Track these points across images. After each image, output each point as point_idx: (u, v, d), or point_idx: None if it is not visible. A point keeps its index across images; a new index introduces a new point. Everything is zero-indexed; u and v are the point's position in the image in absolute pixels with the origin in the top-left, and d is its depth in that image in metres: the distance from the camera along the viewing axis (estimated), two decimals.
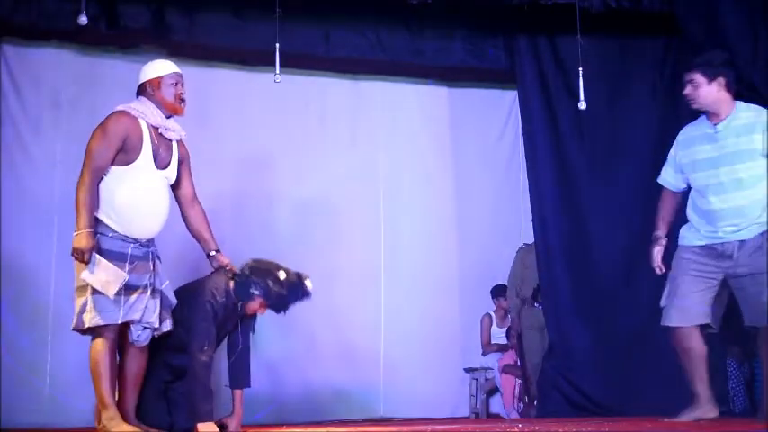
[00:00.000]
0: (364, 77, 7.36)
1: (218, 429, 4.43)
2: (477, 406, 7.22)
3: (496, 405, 7.37)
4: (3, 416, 5.70)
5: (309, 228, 6.96)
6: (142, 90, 4.35)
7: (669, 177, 4.62)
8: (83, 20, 5.38)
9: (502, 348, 7.35)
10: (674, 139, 6.24)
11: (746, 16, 5.68)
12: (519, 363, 7.12)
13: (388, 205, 7.33)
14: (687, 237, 4.45)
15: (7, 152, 6.31)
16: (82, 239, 4.01)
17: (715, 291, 4.37)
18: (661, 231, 4.58)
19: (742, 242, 4.27)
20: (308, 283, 4.63)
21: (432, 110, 7.58)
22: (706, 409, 4.34)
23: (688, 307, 4.38)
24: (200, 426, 4.35)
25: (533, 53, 6.79)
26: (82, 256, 4.01)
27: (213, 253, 4.63)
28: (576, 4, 6.04)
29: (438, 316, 7.29)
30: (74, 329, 4.18)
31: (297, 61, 6.57)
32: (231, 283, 4.57)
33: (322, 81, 7.26)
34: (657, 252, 4.56)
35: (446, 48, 6.88)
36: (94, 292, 4.04)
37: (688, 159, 4.48)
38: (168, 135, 4.33)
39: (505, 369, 7.17)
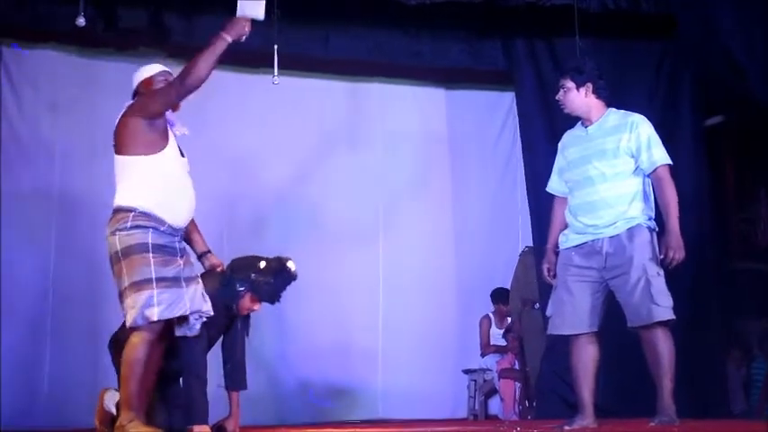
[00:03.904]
0: (362, 79, 7.38)
1: None
2: (476, 407, 7.22)
3: (495, 407, 7.36)
4: (3, 416, 5.70)
5: (308, 229, 6.96)
6: (138, 93, 4.37)
7: (554, 184, 4.67)
8: (81, 21, 5.39)
9: (501, 350, 7.35)
10: (673, 140, 6.28)
11: (743, 18, 5.68)
12: (518, 366, 7.12)
13: (386, 206, 7.34)
14: (562, 240, 4.49)
15: (5, 153, 6.32)
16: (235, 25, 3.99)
17: (597, 295, 4.37)
18: (550, 245, 4.60)
19: (611, 238, 4.30)
20: (290, 264, 4.61)
21: (429, 111, 7.60)
22: (590, 419, 4.34)
23: (568, 314, 4.39)
24: (195, 428, 4.35)
25: (531, 55, 6.78)
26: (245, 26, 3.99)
27: (204, 254, 4.63)
28: (573, 6, 6.04)
29: (436, 317, 7.29)
30: (131, 326, 3.97)
31: (295, 63, 6.57)
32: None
33: (320, 83, 7.27)
34: (546, 268, 4.57)
35: (444, 49, 6.88)
36: (159, 286, 3.94)
37: (565, 162, 4.58)
38: (174, 131, 4.36)
39: (503, 374, 7.15)
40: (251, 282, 4.52)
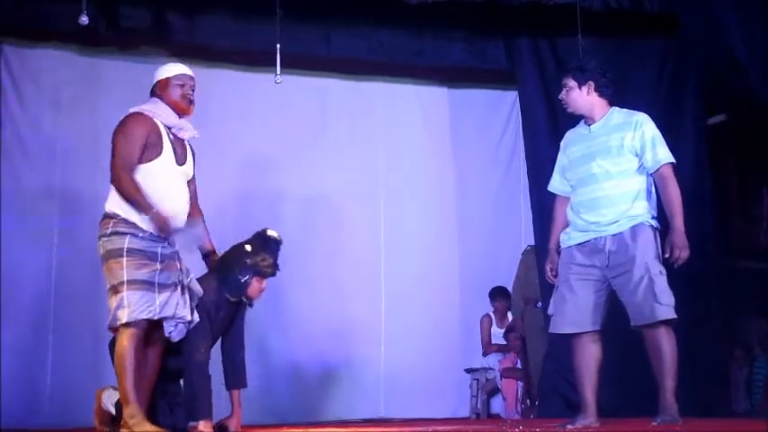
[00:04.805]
0: (365, 78, 7.36)
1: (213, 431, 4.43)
2: (478, 407, 7.21)
3: (497, 406, 7.35)
4: (3, 416, 5.71)
5: (310, 228, 6.96)
6: (153, 92, 4.40)
7: (556, 183, 4.67)
8: (83, 20, 5.40)
9: (503, 349, 7.34)
10: (675, 139, 6.28)
11: (746, 17, 5.69)
12: (520, 365, 7.12)
13: (389, 206, 7.34)
14: (564, 239, 4.49)
15: (7, 152, 6.32)
16: (159, 217, 4.13)
17: (600, 294, 4.36)
18: (552, 244, 4.60)
19: (614, 236, 4.30)
20: (270, 233, 4.71)
21: (432, 110, 7.58)
22: (592, 419, 4.33)
23: (571, 313, 4.38)
24: (200, 425, 4.36)
25: (534, 53, 6.78)
26: (168, 228, 4.15)
27: (209, 254, 4.65)
28: (576, 5, 6.04)
29: (438, 316, 7.28)
30: (109, 327, 4.19)
31: (298, 62, 6.58)
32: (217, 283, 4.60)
33: (322, 82, 7.26)
34: (548, 267, 4.56)
35: (446, 48, 6.89)
36: (129, 288, 4.08)
37: (567, 160, 4.59)
38: (181, 135, 4.38)
39: (505, 373, 7.14)
40: (251, 268, 4.57)
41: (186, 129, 4.41)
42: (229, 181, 6.79)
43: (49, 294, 6.32)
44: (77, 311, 6.29)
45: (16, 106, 6.45)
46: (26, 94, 6.49)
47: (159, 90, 4.37)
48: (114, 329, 4.17)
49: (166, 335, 4.27)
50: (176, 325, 4.28)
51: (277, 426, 5.88)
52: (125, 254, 4.11)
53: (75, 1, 5.51)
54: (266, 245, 4.67)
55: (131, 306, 4.07)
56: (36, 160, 6.47)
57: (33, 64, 6.52)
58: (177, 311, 4.24)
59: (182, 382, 4.61)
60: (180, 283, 4.29)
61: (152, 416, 4.34)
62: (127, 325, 4.08)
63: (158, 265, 4.18)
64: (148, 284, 4.13)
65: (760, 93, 5.66)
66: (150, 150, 4.23)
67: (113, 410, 4.50)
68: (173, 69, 4.43)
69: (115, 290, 4.12)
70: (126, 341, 4.09)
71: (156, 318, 4.15)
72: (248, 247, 4.63)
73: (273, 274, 4.69)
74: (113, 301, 4.11)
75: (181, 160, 4.36)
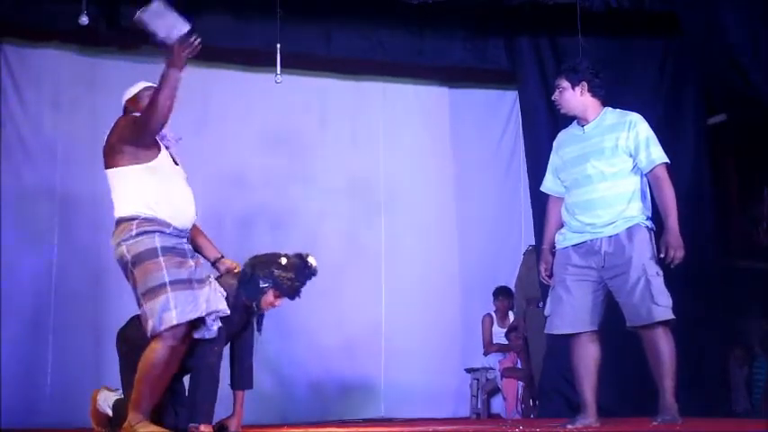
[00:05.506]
0: (365, 78, 7.37)
1: None
2: (479, 406, 7.21)
3: (498, 405, 7.35)
4: (3, 416, 5.71)
5: (309, 227, 6.96)
6: (126, 110, 4.35)
7: (549, 183, 4.64)
8: (83, 20, 5.40)
9: (503, 349, 7.34)
10: (675, 139, 6.28)
11: (746, 16, 5.69)
12: (522, 364, 7.12)
13: (389, 205, 7.34)
14: (560, 240, 4.47)
15: (8, 151, 6.32)
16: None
17: (597, 294, 4.35)
18: (546, 245, 4.59)
19: (610, 238, 4.30)
20: (311, 260, 4.58)
21: (432, 110, 7.58)
22: (592, 419, 4.32)
23: (567, 313, 4.37)
24: (201, 427, 4.35)
25: (534, 53, 6.78)
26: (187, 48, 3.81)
27: (219, 259, 4.61)
28: (576, 4, 6.05)
29: (439, 316, 7.29)
30: (153, 334, 3.92)
31: (298, 62, 6.58)
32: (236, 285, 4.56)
33: (323, 81, 7.27)
34: (543, 268, 4.55)
35: (447, 48, 6.89)
36: (174, 289, 3.92)
37: (560, 161, 4.56)
38: (166, 143, 4.35)
39: (505, 373, 7.15)
40: (274, 278, 4.50)
41: (167, 136, 4.38)
42: (229, 181, 6.79)
43: (49, 294, 6.32)
44: (77, 311, 6.29)
45: (16, 106, 6.45)
46: (26, 94, 6.49)
47: (132, 108, 4.26)
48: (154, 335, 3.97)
49: (203, 333, 4.13)
50: (216, 319, 4.16)
51: (277, 426, 5.88)
52: (160, 253, 3.95)
53: (76, 1, 5.52)
54: (302, 269, 4.54)
55: (179, 307, 3.91)
56: (36, 160, 6.47)
57: (33, 64, 6.53)
58: (218, 305, 4.14)
59: (184, 379, 4.59)
60: (209, 277, 4.21)
61: (155, 415, 4.34)
62: (166, 332, 3.92)
63: (192, 262, 4.07)
64: (189, 282, 3.99)
65: (760, 92, 5.66)
66: (149, 151, 4.19)
67: (110, 411, 4.47)
68: (137, 86, 4.34)
69: (155, 293, 3.92)
70: (162, 349, 3.94)
71: (204, 314, 4.03)
72: (283, 260, 4.52)
73: (291, 298, 4.60)
74: (154, 305, 3.91)
75: (175, 161, 4.35)
